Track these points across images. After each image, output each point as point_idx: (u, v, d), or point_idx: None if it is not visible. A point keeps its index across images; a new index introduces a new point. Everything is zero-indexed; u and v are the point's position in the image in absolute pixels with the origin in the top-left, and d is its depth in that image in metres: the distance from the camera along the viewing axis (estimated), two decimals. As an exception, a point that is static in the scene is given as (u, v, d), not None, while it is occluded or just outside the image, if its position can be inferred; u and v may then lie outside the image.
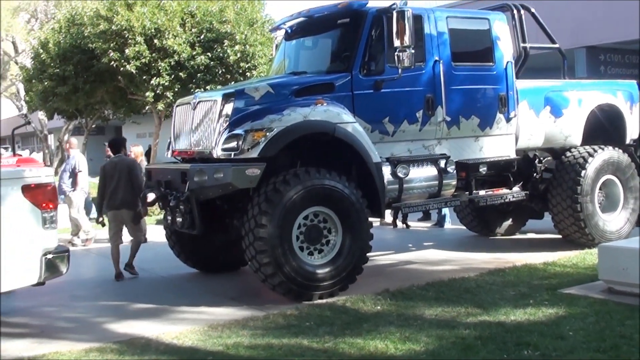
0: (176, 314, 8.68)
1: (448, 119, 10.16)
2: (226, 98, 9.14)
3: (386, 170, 9.57)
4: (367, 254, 9.31)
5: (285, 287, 8.70)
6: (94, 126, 29.42)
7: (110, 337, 7.72)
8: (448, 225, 14.95)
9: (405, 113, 9.85)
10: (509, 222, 13.38)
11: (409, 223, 15.30)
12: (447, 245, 12.73)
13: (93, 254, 13.76)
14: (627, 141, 12.30)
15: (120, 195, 10.72)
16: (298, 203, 8.69)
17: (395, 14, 9.23)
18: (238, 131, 8.80)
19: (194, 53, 17.79)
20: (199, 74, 17.81)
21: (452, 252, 12.05)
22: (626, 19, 17.50)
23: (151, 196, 10.32)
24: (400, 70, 9.37)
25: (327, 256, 8.99)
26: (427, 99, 9.96)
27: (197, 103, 9.66)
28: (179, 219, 9.41)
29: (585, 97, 11.70)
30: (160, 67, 17.69)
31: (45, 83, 20.57)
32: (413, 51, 9.25)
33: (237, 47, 17.60)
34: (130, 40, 17.60)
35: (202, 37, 18.12)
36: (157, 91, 17.88)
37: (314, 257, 8.95)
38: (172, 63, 17.78)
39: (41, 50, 20.51)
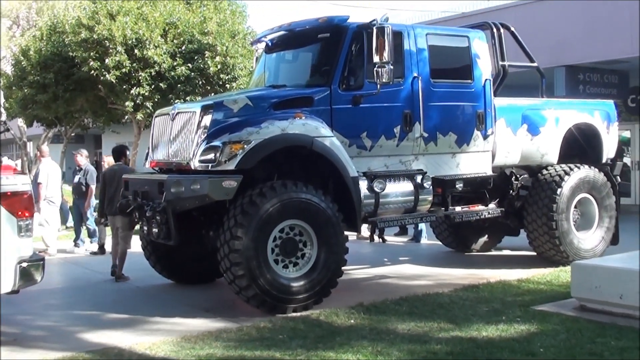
0: (150, 324, 8.67)
1: (425, 135, 10.23)
2: (205, 110, 9.15)
3: (363, 185, 9.62)
4: (343, 268, 9.34)
5: (260, 299, 8.70)
6: (73, 134, 29.26)
7: (83, 346, 7.68)
8: (424, 240, 15.02)
9: (383, 128, 9.91)
10: (484, 238, 13.45)
11: (386, 237, 15.33)
12: (423, 261, 12.78)
13: (69, 263, 13.68)
14: (604, 160, 12.41)
15: (116, 202, 10.83)
16: (274, 216, 8.70)
17: (375, 30, 9.29)
18: (216, 143, 8.81)
19: (175, 64, 17.84)
20: (179, 85, 17.84)
21: (427, 267, 12.11)
22: (605, 38, 17.66)
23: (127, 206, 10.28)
24: (378, 85, 9.42)
25: (302, 269, 9.01)
26: (405, 114, 10.03)
27: (176, 114, 9.65)
28: (155, 230, 9.40)
29: (562, 116, 11.82)
30: (140, 77, 17.71)
31: (25, 90, 20.53)
32: (392, 67, 9.31)
33: (217, 59, 17.67)
34: (110, 50, 17.60)
35: (183, 48, 18.14)
36: (137, 101, 17.92)
37: (289, 270, 8.96)
38: (153, 73, 17.82)
39: (22, 58, 20.45)
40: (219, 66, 17.68)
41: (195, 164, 8.98)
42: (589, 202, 11.84)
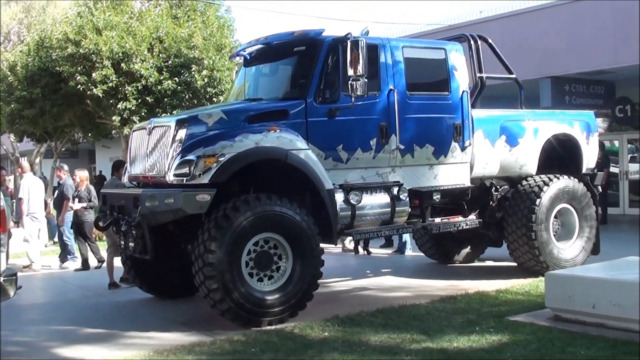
0: (125, 338, 8.68)
1: (402, 147, 10.27)
2: (180, 124, 9.19)
3: (339, 197, 9.65)
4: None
5: (234, 313, 8.71)
6: (63, 149, 29.32)
7: (54, 362, 7.71)
8: (409, 252, 15.00)
9: (359, 141, 9.94)
10: (467, 249, 13.46)
11: (371, 250, 15.35)
12: (405, 272, 12.78)
13: (53, 278, 13.69)
14: (584, 170, 12.43)
15: None
16: (248, 229, 8.72)
17: (349, 44, 9.34)
18: (190, 157, 8.84)
19: (161, 78, 17.88)
20: (165, 99, 17.89)
21: (408, 278, 12.11)
22: (590, 49, 17.75)
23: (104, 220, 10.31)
24: (353, 98, 9.46)
25: (277, 282, 9.01)
26: (381, 127, 10.06)
27: (152, 128, 9.69)
28: (132, 244, 9.45)
29: (541, 126, 11.85)
30: (127, 92, 17.74)
31: (13, 106, 20.55)
32: (366, 80, 9.35)
33: (204, 72, 17.74)
34: (97, 64, 17.65)
35: (169, 62, 18.20)
36: (124, 115, 17.93)
37: (263, 283, 8.96)
38: (139, 87, 17.84)
39: (9, 73, 20.49)
40: (205, 80, 17.75)
41: (170, 177, 9.00)
42: (569, 213, 11.86)
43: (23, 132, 22.72)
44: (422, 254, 13.98)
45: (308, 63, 9.88)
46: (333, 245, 11.07)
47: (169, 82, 17.74)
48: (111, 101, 17.99)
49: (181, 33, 18.52)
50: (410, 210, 10.33)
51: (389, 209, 10.08)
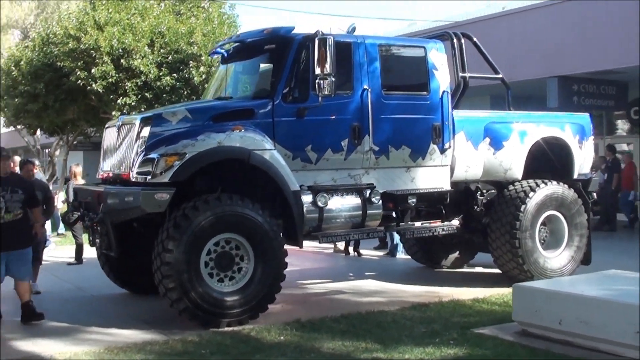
0: (84, 334, 8.68)
1: (376, 148, 10.00)
2: (144, 121, 9.10)
3: (307, 199, 9.44)
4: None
5: (191, 312, 8.58)
6: (75, 142, 29.42)
7: (8, 354, 7.75)
8: (401, 255, 14.67)
9: (329, 141, 9.71)
10: (455, 254, 13.10)
11: (362, 251, 15.10)
12: (387, 276, 12.47)
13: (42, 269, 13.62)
14: (575, 176, 12.00)
15: None
16: (207, 229, 8.57)
17: (317, 42, 9.11)
18: (152, 155, 8.73)
19: (161, 74, 17.80)
20: (164, 95, 17.81)
21: (388, 283, 11.81)
22: (601, 48, 17.21)
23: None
24: (320, 98, 9.23)
25: (238, 283, 8.85)
26: (354, 127, 9.81)
27: (120, 126, 9.60)
28: (98, 240, 9.38)
29: (528, 129, 11.44)
30: (127, 87, 17.70)
31: (17, 100, 20.67)
32: (333, 79, 9.11)
33: (202, 69, 17.62)
34: (97, 60, 17.63)
35: (169, 58, 18.12)
36: (124, 111, 17.88)
37: (224, 283, 8.81)
38: (139, 83, 17.78)
39: (13, 68, 20.59)
40: (203, 76, 17.65)
41: (133, 175, 8.91)
42: (557, 220, 11.45)
43: (29, 125, 22.85)
44: (413, 258, 13.67)
45: (278, 61, 9.70)
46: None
47: (168, 78, 17.68)
48: (111, 97, 17.97)
49: (182, 29, 18.43)
50: (382, 213, 10.05)
51: (360, 212, 9.83)
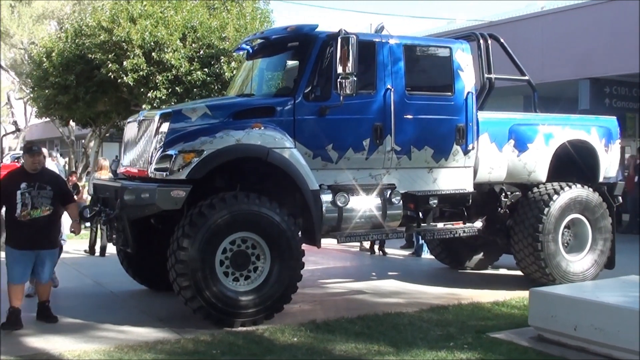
0: (97, 331, 8.62)
1: (398, 148, 9.90)
2: (163, 117, 9.06)
3: (326, 198, 9.38)
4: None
5: (205, 311, 8.57)
6: (107, 134, 29.66)
7: (18, 351, 7.69)
8: (426, 255, 14.56)
9: (351, 141, 9.62)
10: (479, 255, 12.98)
11: (388, 251, 15.01)
12: (410, 277, 12.38)
13: (60, 264, 13.68)
14: (601, 179, 11.81)
15: None
16: (223, 228, 8.54)
17: (339, 40, 9.03)
18: (170, 152, 8.71)
19: (192, 68, 17.84)
20: (195, 89, 17.86)
21: (410, 284, 11.73)
22: (633, 51, 16.91)
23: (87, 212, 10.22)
24: (341, 97, 9.16)
25: (253, 283, 8.80)
26: (376, 127, 9.72)
27: (141, 121, 9.61)
28: (115, 236, 9.39)
29: (553, 132, 11.27)
30: (157, 81, 17.77)
31: (47, 91, 20.84)
32: (355, 79, 9.01)
33: (233, 64, 17.62)
34: (128, 52, 17.72)
35: (201, 52, 18.16)
36: (155, 104, 17.97)
37: (239, 283, 8.77)
38: (170, 77, 17.85)
39: (44, 59, 20.77)
40: (234, 71, 17.62)
41: (151, 172, 8.91)
42: (582, 224, 11.29)
43: (60, 117, 23.06)
44: (438, 258, 13.56)
45: (300, 59, 9.65)
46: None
47: (199, 72, 17.72)
48: (142, 90, 18.06)
49: (214, 23, 18.46)
50: (402, 214, 9.96)
51: (380, 213, 9.75)
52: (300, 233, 9.34)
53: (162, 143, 8.89)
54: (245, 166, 9.19)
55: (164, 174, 8.73)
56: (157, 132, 9.02)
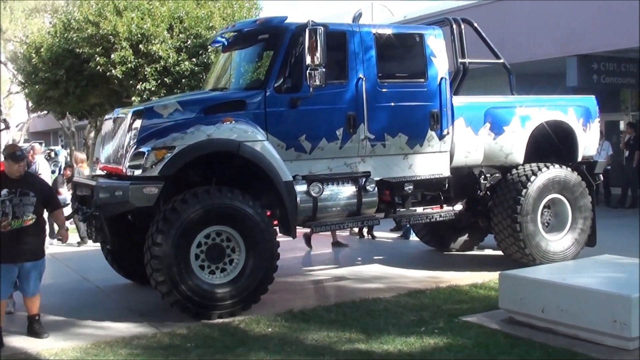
0: (77, 328, 8.79)
1: (372, 136, 9.98)
2: (136, 115, 9.17)
3: (300, 189, 9.49)
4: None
5: (182, 305, 8.71)
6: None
7: (-4, 349, 7.84)
8: (414, 237, 14.64)
9: (324, 131, 9.71)
10: (464, 237, 13.07)
11: (376, 234, 15.13)
12: (394, 260, 12.46)
13: (50, 259, 13.88)
14: (579, 159, 11.87)
15: None
16: (196, 222, 8.66)
17: (307, 32, 9.10)
18: (143, 149, 8.82)
19: (180, 59, 17.92)
20: (183, 80, 17.95)
21: (393, 267, 11.83)
22: (623, 25, 16.79)
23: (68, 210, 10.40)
24: (311, 88, 9.24)
25: (229, 275, 8.94)
26: (349, 116, 9.80)
27: (116, 119, 9.73)
28: (94, 233, 9.53)
29: (529, 113, 11.33)
30: (146, 73, 17.86)
31: (37, 87, 20.94)
32: (324, 70, 9.09)
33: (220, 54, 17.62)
34: (116, 45, 17.81)
35: (188, 43, 18.23)
36: (144, 96, 18.07)
37: (215, 275, 8.90)
38: (159, 68, 17.93)
39: (34, 55, 20.85)
40: (221, 61, 17.70)
41: (125, 169, 9.04)
42: (561, 203, 11.36)
43: (55, 111, 23.17)
44: (427, 240, 13.66)
45: (271, 51, 9.71)
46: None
47: (187, 63, 17.81)
48: (131, 82, 18.16)
49: (201, 13, 18.51)
50: (377, 201, 10.06)
51: (355, 201, 9.86)
52: (276, 224, 9.47)
53: (135, 140, 8.99)
54: (220, 160, 9.30)
55: (138, 171, 8.85)
56: (130, 129, 9.13)
